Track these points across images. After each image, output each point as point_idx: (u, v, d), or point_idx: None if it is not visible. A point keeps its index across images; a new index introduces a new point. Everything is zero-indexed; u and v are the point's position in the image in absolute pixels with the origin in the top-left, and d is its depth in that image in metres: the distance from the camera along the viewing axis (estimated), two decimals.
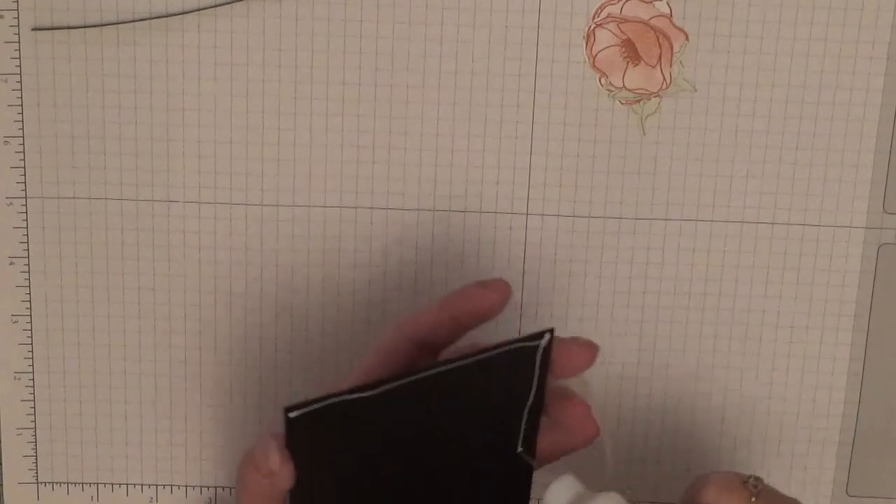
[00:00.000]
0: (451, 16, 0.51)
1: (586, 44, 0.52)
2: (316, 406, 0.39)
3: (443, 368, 0.40)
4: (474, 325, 0.44)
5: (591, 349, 0.42)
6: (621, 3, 0.51)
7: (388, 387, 0.40)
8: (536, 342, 0.42)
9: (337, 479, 0.41)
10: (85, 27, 0.51)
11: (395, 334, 0.44)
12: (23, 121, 0.52)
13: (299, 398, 0.55)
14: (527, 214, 0.53)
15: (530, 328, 0.54)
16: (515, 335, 0.53)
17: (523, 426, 0.43)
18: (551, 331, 0.41)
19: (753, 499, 0.42)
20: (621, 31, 0.52)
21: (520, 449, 0.43)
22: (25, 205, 0.53)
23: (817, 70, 0.52)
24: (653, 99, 0.52)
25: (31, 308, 0.54)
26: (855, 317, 0.54)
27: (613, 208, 0.53)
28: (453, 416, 0.42)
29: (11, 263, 0.53)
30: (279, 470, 0.39)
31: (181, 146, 0.52)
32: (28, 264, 0.53)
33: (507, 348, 0.41)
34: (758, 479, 0.42)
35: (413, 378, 0.40)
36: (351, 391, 0.39)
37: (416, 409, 0.41)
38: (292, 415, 0.38)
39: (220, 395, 0.55)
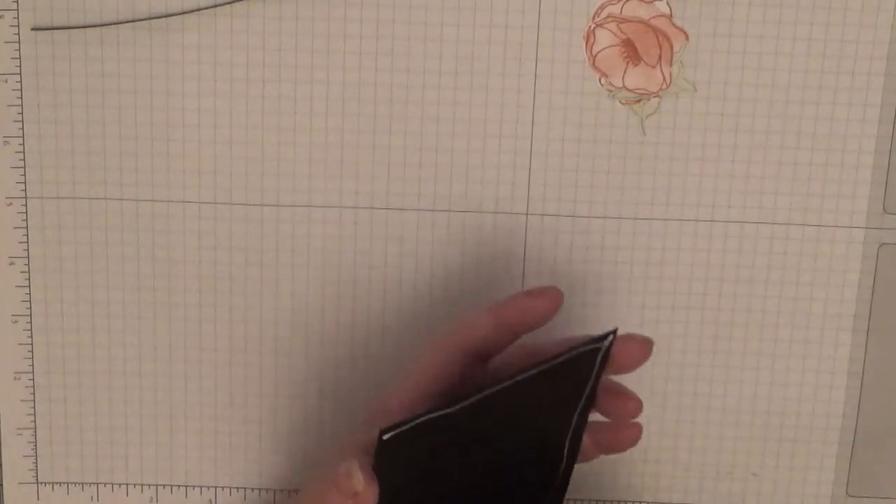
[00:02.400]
0: (451, 16, 0.51)
1: (586, 44, 0.52)
2: (406, 427, 0.40)
3: (510, 382, 0.41)
4: (525, 332, 0.44)
5: (647, 344, 0.43)
6: (621, 3, 0.51)
7: (464, 404, 0.41)
8: (599, 344, 0.42)
9: (414, 492, 0.43)
10: (85, 27, 0.51)
11: (446, 348, 0.44)
12: (23, 121, 0.52)
13: (299, 398, 0.55)
14: (527, 214, 0.53)
15: None
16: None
17: (573, 424, 0.43)
18: (614, 332, 0.42)
19: None
20: (621, 31, 0.52)
21: (566, 446, 0.44)
22: (25, 205, 0.53)
23: (817, 70, 0.52)
24: (653, 99, 0.52)
25: (31, 308, 0.54)
26: (855, 317, 0.54)
27: (613, 208, 0.53)
28: (514, 422, 0.43)
29: (11, 263, 0.53)
30: (364, 490, 0.40)
31: (181, 146, 0.52)
32: (28, 264, 0.53)
33: (570, 355, 0.42)
34: None
35: (486, 394, 0.41)
36: (433, 410, 0.41)
37: (485, 421, 0.42)
38: (386, 437, 0.40)
39: (221, 395, 0.55)
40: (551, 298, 0.45)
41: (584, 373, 0.43)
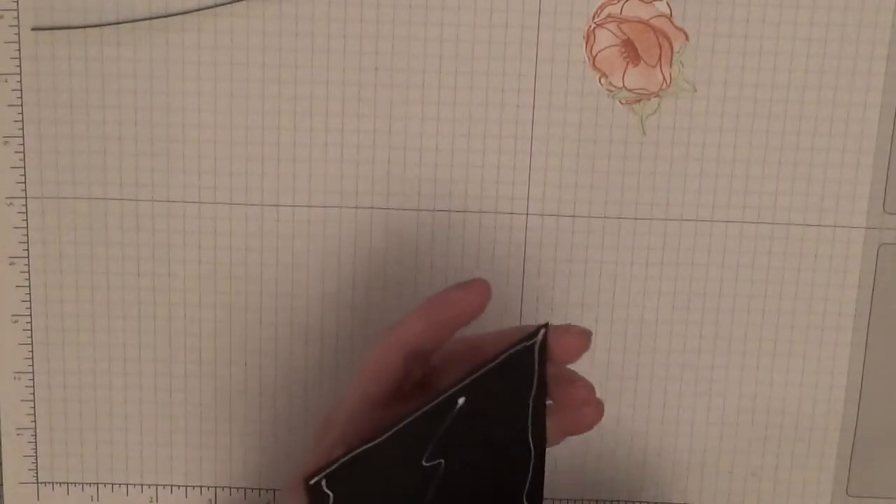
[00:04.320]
0: (451, 16, 0.51)
1: (586, 44, 0.52)
2: (331, 469, 0.40)
3: (444, 396, 0.41)
4: (459, 327, 0.44)
5: (584, 336, 0.43)
6: (621, 3, 0.51)
7: (390, 432, 0.41)
8: (532, 341, 0.42)
9: None
10: (85, 27, 0.51)
11: (383, 352, 0.44)
12: (23, 121, 0.52)
13: (299, 398, 0.55)
14: (527, 214, 0.53)
15: None
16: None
17: (530, 417, 0.43)
18: (546, 326, 0.42)
19: None
20: (621, 31, 0.52)
21: (530, 441, 0.44)
22: (25, 205, 0.53)
23: (817, 70, 0.52)
24: (653, 99, 0.52)
25: (31, 308, 0.54)
26: (855, 317, 0.54)
27: (613, 208, 0.53)
28: (466, 431, 0.43)
29: (11, 263, 0.53)
30: None
31: (181, 146, 0.52)
32: (28, 264, 0.53)
33: (504, 356, 0.42)
34: None
35: (417, 414, 0.41)
36: (361, 445, 0.40)
37: (428, 433, 0.42)
38: (311, 482, 0.40)
39: (220, 395, 0.55)
40: (479, 291, 0.44)
41: (526, 369, 0.42)
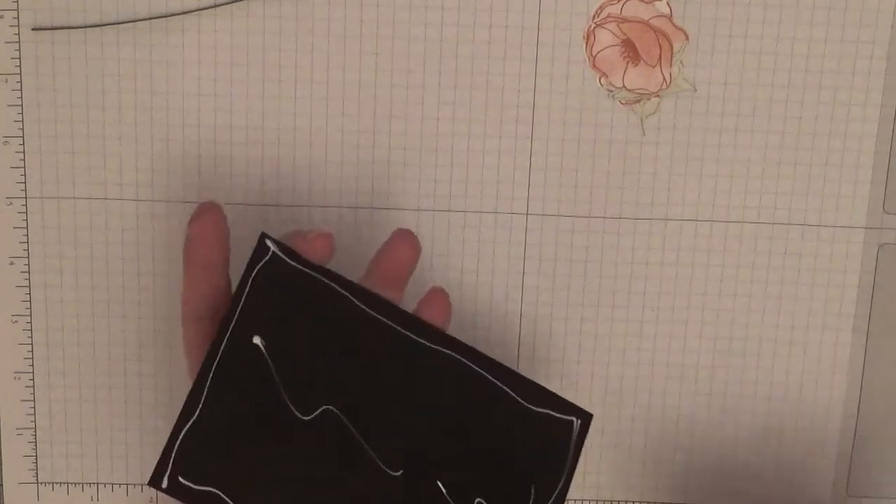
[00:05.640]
0: (451, 15, 0.51)
1: (586, 44, 0.52)
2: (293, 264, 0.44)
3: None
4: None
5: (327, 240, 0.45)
6: (621, 3, 0.51)
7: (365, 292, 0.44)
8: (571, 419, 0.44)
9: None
10: (85, 27, 0.51)
11: (185, 325, 0.45)
12: (23, 121, 0.52)
13: None
14: (527, 214, 0.53)
15: (530, 328, 0.54)
16: (515, 333, 0.54)
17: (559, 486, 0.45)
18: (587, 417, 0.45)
19: None
20: (621, 31, 0.52)
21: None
22: (25, 205, 0.53)
23: (817, 70, 0.52)
24: (653, 99, 0.52)
25: (31, 308, 0.54)
26: (855, 317, 0.54)
27: (613, 208, 0.53)
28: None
29: (11, 263, 0.53)
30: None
31: (181, 146, 0.52)
32: (28, 264, 0.53)
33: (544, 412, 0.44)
34: None
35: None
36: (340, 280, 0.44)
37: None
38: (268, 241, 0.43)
39: None
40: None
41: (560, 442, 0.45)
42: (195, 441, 0.42)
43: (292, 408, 0.43)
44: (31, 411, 0.55)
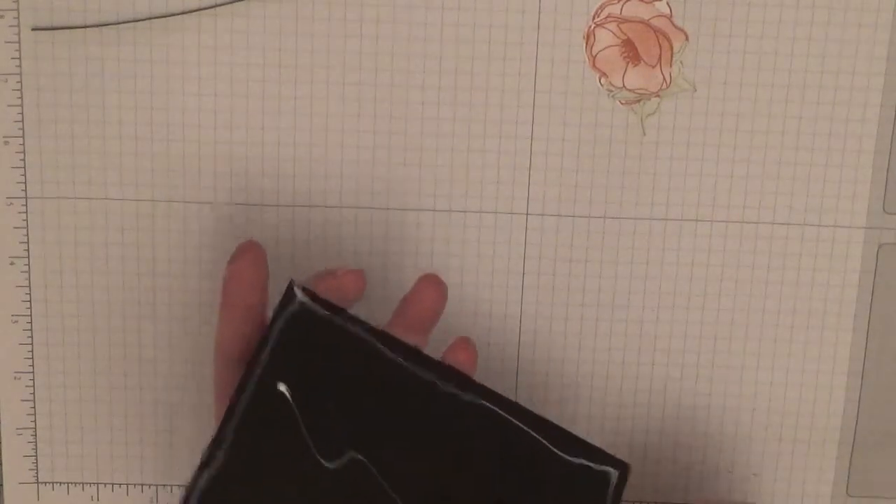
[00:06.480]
0: (451, 16, 0.51)
1: (586, 44, 0.52)
2: (323, 312, 0.43)
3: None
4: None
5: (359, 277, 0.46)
6: (621, 3, 0.51)
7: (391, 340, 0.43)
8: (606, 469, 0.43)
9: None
10: (85, 27, 0.51)
11: (217, 365, 0.45)
12: (23, 121, 0.52)
13: None
14: (527, 214, 0.53)
15: (530, 328, 0.54)
16: (515, 336, 0.54)
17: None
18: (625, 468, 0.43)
19: None
20: (621, 31, 0.52)
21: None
22: (25, 205, 0.53)
23: (817, 70, 0.52)
24: (653, 99, 0.52)
25: (31, 308, 0.54)
26: (855, 317, 0.54)
27: (613, 208, 0.53)
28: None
29: (11, 263, 0.53)
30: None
31: (181, 146, 0.52)
32: (28, 264, 0.53)
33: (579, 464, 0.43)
34: None
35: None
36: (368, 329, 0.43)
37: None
38: (296, 288, 0.43)
39: None
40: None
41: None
42: (218, 489, 0.42)
43: (318, 455, 0.42)
44: (31, 411, 0.55)
